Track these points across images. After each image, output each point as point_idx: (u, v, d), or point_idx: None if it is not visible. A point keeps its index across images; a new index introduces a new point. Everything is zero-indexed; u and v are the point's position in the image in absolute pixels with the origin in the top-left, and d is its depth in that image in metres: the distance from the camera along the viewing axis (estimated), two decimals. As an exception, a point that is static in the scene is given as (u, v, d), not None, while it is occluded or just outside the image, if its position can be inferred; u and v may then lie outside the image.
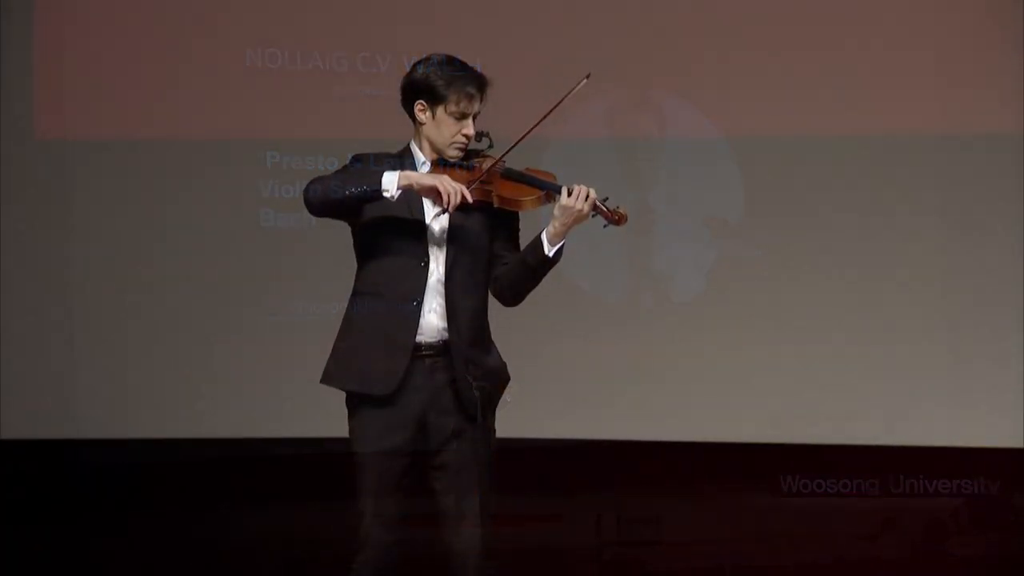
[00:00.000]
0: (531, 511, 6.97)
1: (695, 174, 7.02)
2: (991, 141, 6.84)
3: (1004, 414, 6.84)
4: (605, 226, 4.70)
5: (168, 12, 7.09)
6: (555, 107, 4.64)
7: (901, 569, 6.67)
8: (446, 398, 4.76)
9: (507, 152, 4.75)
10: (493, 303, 4.86)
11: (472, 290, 4.79)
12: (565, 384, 7.04)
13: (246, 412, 7.14)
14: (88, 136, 7.11)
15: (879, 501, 6.79)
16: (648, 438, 7.00)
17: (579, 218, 4.66)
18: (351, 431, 4.80)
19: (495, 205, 4.76)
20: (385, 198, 4.61)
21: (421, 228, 4.76)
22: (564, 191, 4.65)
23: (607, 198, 4.68)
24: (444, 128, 4.79)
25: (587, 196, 4.64)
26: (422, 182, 4.62)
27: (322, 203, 4.68)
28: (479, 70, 4.84)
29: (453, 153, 4.82)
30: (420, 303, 4.73)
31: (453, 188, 4.59)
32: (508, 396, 4.66)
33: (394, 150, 4.89)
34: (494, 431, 4.83)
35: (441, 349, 4.76)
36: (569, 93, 4.65)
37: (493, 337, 4.90)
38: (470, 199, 4.60)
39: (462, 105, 4.77)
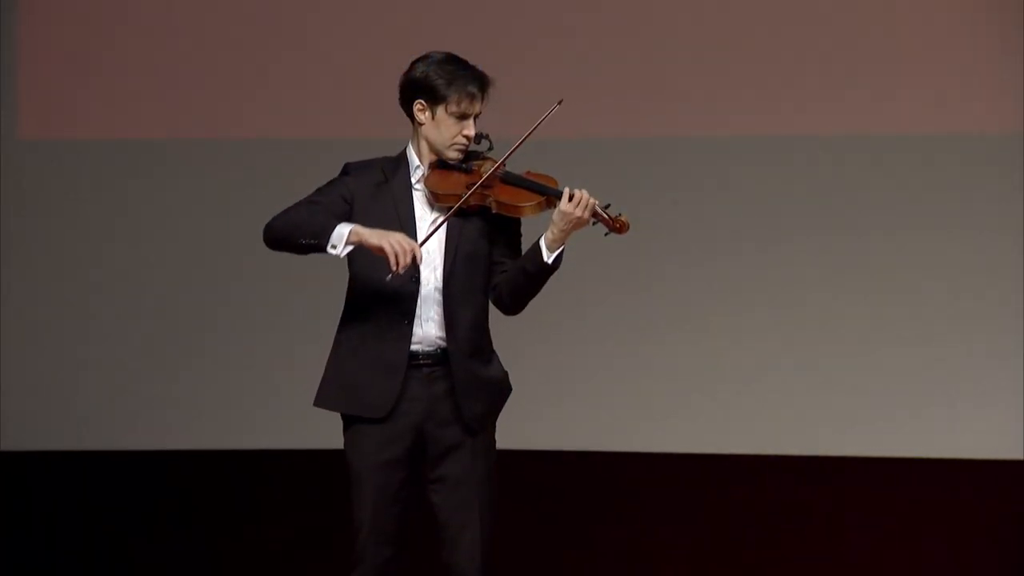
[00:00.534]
0: (533, 525, 7.02)
1: (695, 175, 7.03)
2: (991, 142, 6.85)
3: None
4: (606, 234, 4.60)
5: (154, 10, 7.10)
6: (528, 134, 4.55)
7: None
8: (445, 409, 4.67)
9: (504, 159, 4.65)
10: (495, 311, 4.77)
11: (471, 299, 4.69)
12: (569, 394, 7.03)
13: (237, 423, 7.13)
14: (74, 136, 7.12)
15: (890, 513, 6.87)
16: (655, 449, 7.00)
17: (578, 224, 4.55)
18: (346, 443, 4.72)
19: (493, 211, 4.67)
20: (332, 253, 4.51)
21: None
22: (564, 196, 4.54)
23: (608, 204, 4.58)
24: (444, 129, 4.69)
25: (587, 203, 4.53)
26: (370, 240, 4.49)
27: (277, 244, 4.61)
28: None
29: (453, 155, 4.71)
30: (411, 322, 4.62)
31: (402, 248, 4.46)
32: None
33: (394, 152, 4.81)
34: (495, 443, 4.76)
35: (439, 358, 4.67)
36: (542, 119, 4.56)
37: (495, 346, 4.81)
38: (420, 259, 4.49)
39: (463, 105, 4.66)
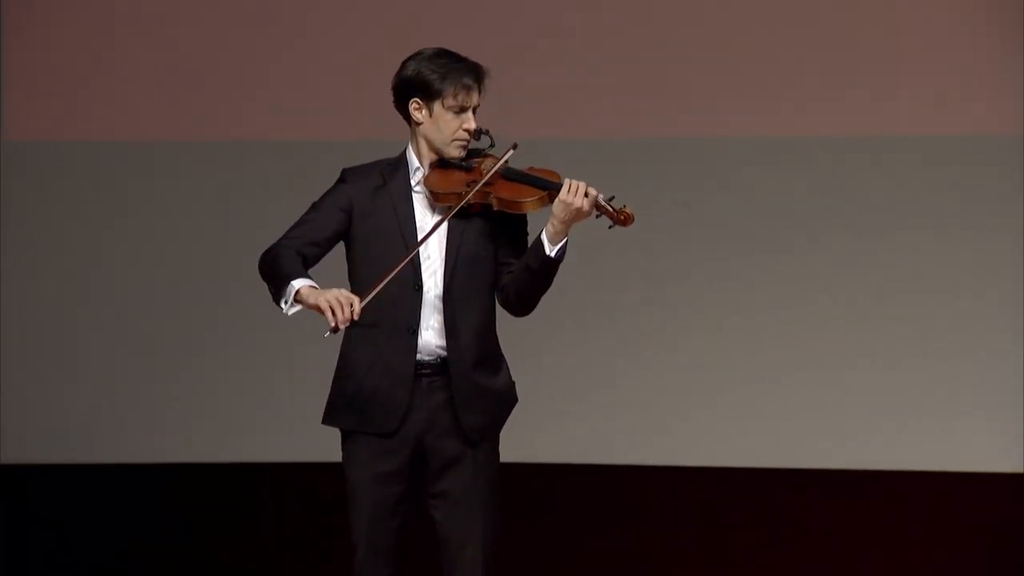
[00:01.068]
0: (538, 541, 6.99)
1: (698, 176, 7.05)
2: (991, 143, 6.88)
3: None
4: (611, 227, 4.49)
5: (146, 11, 7.12)
6: (487, 176, 4.51)
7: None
8: (444, 420, 4.56)
9: (504, 157, 4.55)
10: (504, 317, 4.67)
11: (474, 304, 4.59)
12: (575, 405, 7.02)
13: (236, 435, 7.14)
14: (61, 137, 7.14)
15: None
16: (664, 463, 7.00)
17: (578, 215, 4.46)
18: (344, 455, 4.63)
19: (495, 208, 4.56)
20: (283, 310, 4.48)
21: (412, 249, 4.55)
22: (563, 186, 4.46)
23: (612, 197, 4.49)
24: (443, 125, 4.58)
25: (586, 192, 4.45)
26: (308, 301, 4.42)
27: (263, 278, 4.58)
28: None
29: (455, 152, 4.60)
30: (417, 331, 4.54)
31: (339, 302, 4.37)
32: None
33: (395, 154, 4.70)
34: (498, 455, 4.66)
35: (439, 368, 4.56)
36: (500, 162, 4.51)
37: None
38: (357, 312, 4.38)
39: (460, 98, 4.56)
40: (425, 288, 4.55)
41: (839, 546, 6.93)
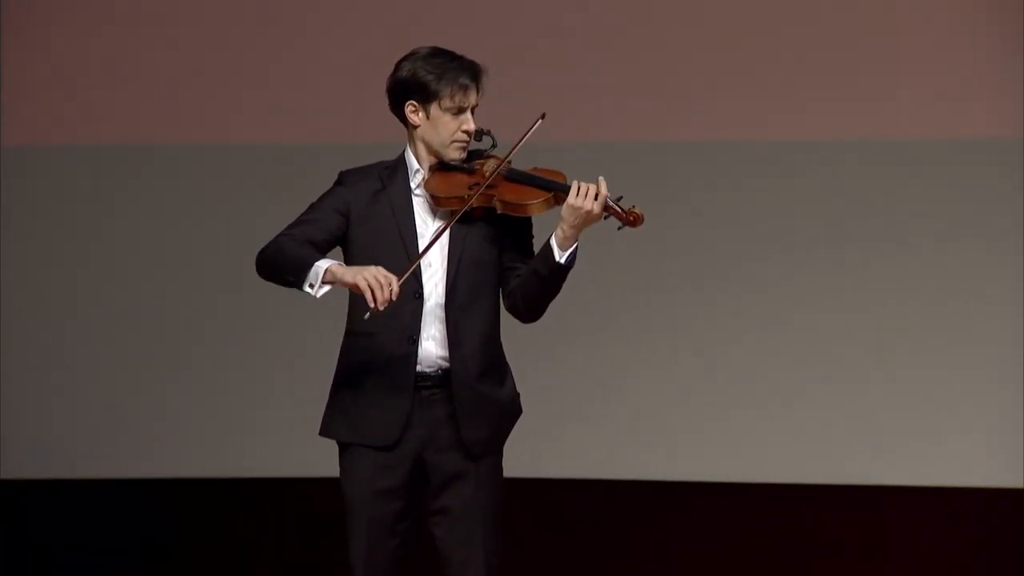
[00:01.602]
0: (543, 559, 6.96)
1: (696, 179, 7.04)
2: (991, 146, 6.88)
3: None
4: (620, 228, 4.41)
5: (140, 16, 7.14)
6: (514, 147, 4.42)
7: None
8: (445, 434, 4.47)
9: (507, 157, 4.46)
10: (508, 325, 4.58)
11: (478, 312, 4.49)
12: (581, 418, 6.98)
13: (226, 449, 7.11)
14: (57, 142, 7.15)
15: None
16: (672, 478, 6.96)
17: (589, 219, 4.37)
18: (341, 470, 4.54)
19: (499, 211, 4.46)
20: (309, 293, 4.36)
21: (414, 258, 4.46)
22: (572, 190, 4.36)
23: (621, 197, 4.40)
24: (441, 127, 4.48)
25: (596, 194, 4.37)
26: (344, 279, 4.32)
27: (267, 278, 4.50)
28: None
29: (455, 154, 4.50)
30: (416, 341, 4.45)
31: (378, 282, 4.27)
32: None
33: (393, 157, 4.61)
34: (501, 470, 4.56)
35: (440, 380, 4.47)
36: (526, 133, 4.41)
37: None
38: (396, 292, 4.27)
39: (457, 99, 4.47)
40: (426, 296, 4.45)
41: (846, 562, 6.89)
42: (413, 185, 4.51)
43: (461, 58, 4.48)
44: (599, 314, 6.95)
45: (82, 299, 7.13)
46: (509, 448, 4.55)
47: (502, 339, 4.57)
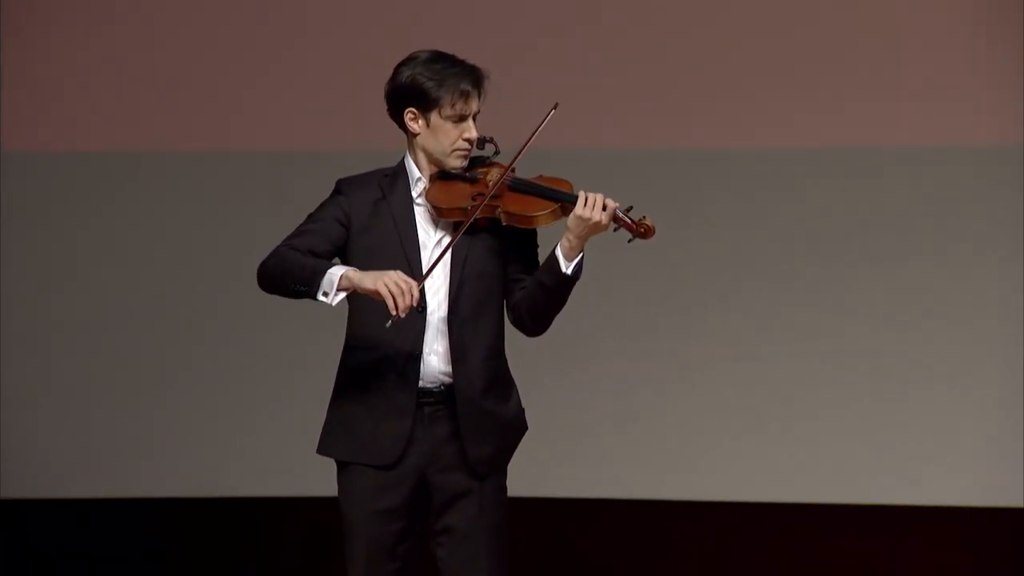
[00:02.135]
0: None
1: (707, 188, 7.02)
2: (991, 153, 6.88)
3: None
4: (630, 240, 4.32)
5: (139, 23, 7.13)
6: (536, 130, 4.33)
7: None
8: (449, 453, 4.40)
9: (511, 164, 4.36)
10: (513, 339, 4.51)
11: (483, 326, 4.41)
12: (588, 436, 6.95)
13: (223, 468, 7.08)
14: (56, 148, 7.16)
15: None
16: (681, 497, 6.95)
17: (595, 229, 4.30)
18: (340, 488, 4.46)
19: (503, 223, 4.37)
20: (323, 301, 4.29)
21: (417, 269, 4.39)
22: (579, 200, 4.29)
23: (631, 207, 4.32)
24: (442, 136, 4.39)
25: (603, 205, 4.29)
26: (363, 285, 4.24)
27: (270, 290, 4.41)
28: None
29: (456, 163, 4.41)
30: (419, 356, 4.37)
31: (399, 288, 4.20)
32: None
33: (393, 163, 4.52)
34: (505, 489, 4.48)
35: (443, 396, 4.39)
36: (540, 124, 4.33)
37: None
38: (417, 299, 4.22)
39: (458, 107, 4.38)
40: (429, 310, 4.37)
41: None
42: (414, 194, 4.43)
43: (462, 63, 4.39)
44: (607, 328, 6.92)
45: (81, 315, 7.11)
46: (514, 466, 4.48)
47: (507, 353, 4.48)
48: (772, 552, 6.90)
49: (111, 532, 7.10)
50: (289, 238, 4.38)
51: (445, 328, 4.36)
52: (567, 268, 4.29)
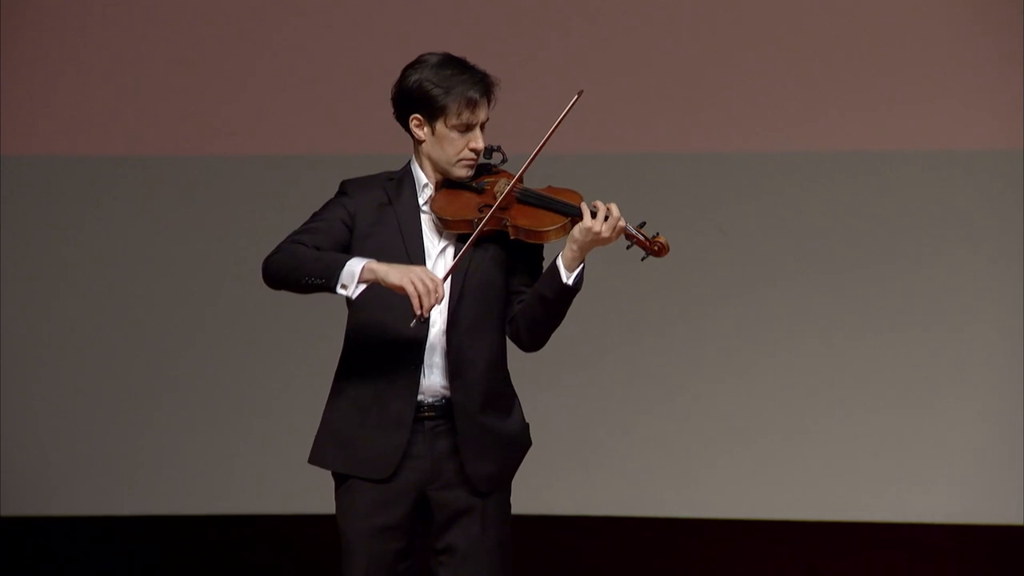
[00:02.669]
0: None
1: (719, 192, 7.02)
2: (991, 158, 6.90)
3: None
4: (643, 258, 4.24)
5: (138, 27, 7.13)
6: (555, 127, 4.22)
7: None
8: (450, 469, 4.31)
9: (521, 173, 4.25)
10: (515, 351, 4.41)
11: (484, 339, 4.31)
12: (593, 453, 6.94)
13: (219, 485, 7.07)
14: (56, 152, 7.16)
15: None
16: (687, 515, 6.94)
17: (599, 241, 4.21)
18: (337, 505, 4.37)
19: (511, 236, 4.26)
20: (342, 294, 4.18)
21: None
22: (586, 211, 4.19)
23: (644, 223, 4.24)
24: (447, 145, 4.29)
25: (615, 221, 4.19)
26: (388, 279, 4.14)
27: (278, 283, 4.28)
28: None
29: (461, 172, 4.31)
30: (419, 367, 4.29)
31: (425, 286, 4.12)
32: None
33: (397, 167, 4.43)
34: (509, 507, 4.40)
35: (444, 411, 4.30)
36: (566, 112, 4.23)
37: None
38: (443, 296, 4.17)
39: (465, 116, 4.27)
40: (431, 321, 4.28)
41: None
42: (421, 201, 4.34)
43: (472, 69, 4.28)
44: (613, 340, 6.90)
45: (80, 322, 7.09)
46: (518, 483, 4.41)
47: (510, 366, 4.38)
48: (781, 570, 6.91)
49: (106, 550, 7.07)
50: (294, 234, 4.28)
51: (444, 340, 4.27)
52: (568, 278, 4.20)
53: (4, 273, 7.10)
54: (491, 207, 4.22)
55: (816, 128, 6.89)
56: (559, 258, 4.21)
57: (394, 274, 4.11)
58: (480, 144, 4.25)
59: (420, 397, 4.26)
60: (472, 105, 4.23)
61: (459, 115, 4.23)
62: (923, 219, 6.85)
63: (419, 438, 4.27)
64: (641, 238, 4.20)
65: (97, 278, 7.08)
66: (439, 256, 4.30)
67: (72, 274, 7.09)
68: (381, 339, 4.24)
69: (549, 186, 4.27)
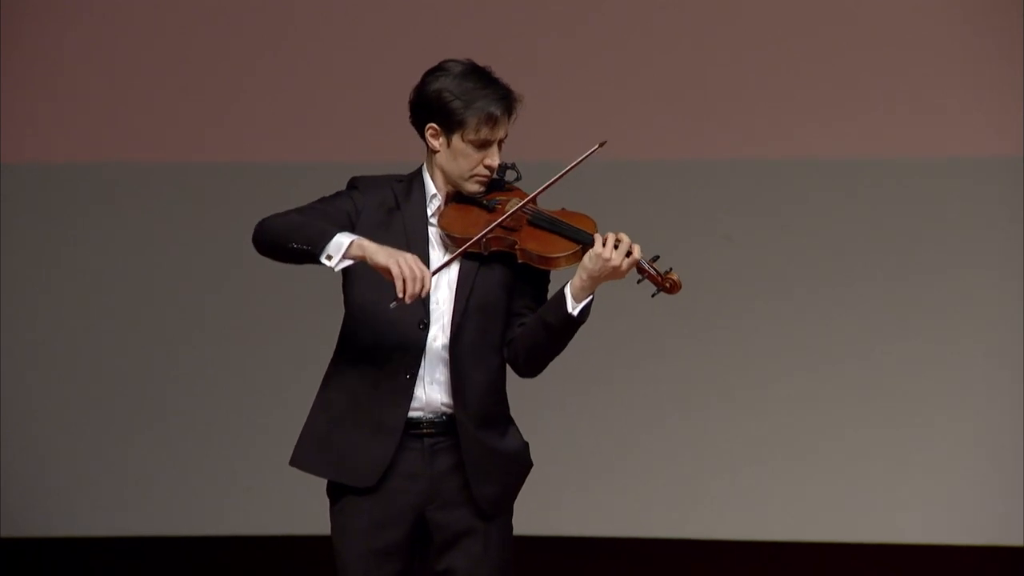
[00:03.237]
0: None
1: (724, 200, 7.03)
2: (991, 165, 6.93)
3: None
4: (654, 295, 4.15)
5: (137, 32, 7.15)
6: (567, 171, 4.12)
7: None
8: (450, 488, 4.23)
9: (535, 195, 4.15)
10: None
11: (485, 358, 4.22)
12: (596, 473, 6.95)
13: (215, 506, 7.10)
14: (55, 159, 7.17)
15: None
16: (692, 536, 6.93)
17: (612, 274, 4.11)
18: (332, 524, 4.28)
19: (519, 260, 4.17)
20: (326, 264, 4.06)
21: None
22: (600, 239, 4.09)
23: (657, 257, 4.14)
24: (462, 159, 4.19)
25: (628, 251, 4.09)
26: (376, 258, 4.04)
27: (266, 247, 4.16)
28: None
29: (472, 188, 4.21)
30: (414, 375, 4.19)
31: (412, 274, 4.01)
32: None
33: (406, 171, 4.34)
34: (511, 528, 4.33)
35: (444, 427, 4.22)
36: (582, 159, 4.12)
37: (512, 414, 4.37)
38: (426, 290, 4.03)
39: (483, 132, 4.16)
40: (431, 336, 4.19)
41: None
42: (430, 212, 4.24)
43: (495, 83, 4.17)
44: (616, 358, 6.89)
45: (80, 328, 7.11)
46: (518, 503, 4.35)
47: (512, 385, 4.30)
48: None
49: (108, 572, 7.09)
50: (297, 209, 4.20)
51: (447, 356, 4.18)
52: (573, 308, 4.10)
53: (4, 280, 7.11)
54: (497, 222, 4.12)
55: (824, 136, 6.89)
56: (567, 286, 4.12)
57: (382, 254, 4.00)
58: (496, 161, 4.17)
59: (418, 413, 4.18)
60: (492, 122, 4.13)
61: (477, 131, 4.13)
62: (933, 227, 6.87)
63: (417, 456, 4.19)
64: (653, 272, 4.12)
65: (97, 286, 7.08)
66: (441, 263, 4.21)
67: (72, 281, 7.09)
68: (377, 340, 4.17)
69: (563, 209, 4.18)
